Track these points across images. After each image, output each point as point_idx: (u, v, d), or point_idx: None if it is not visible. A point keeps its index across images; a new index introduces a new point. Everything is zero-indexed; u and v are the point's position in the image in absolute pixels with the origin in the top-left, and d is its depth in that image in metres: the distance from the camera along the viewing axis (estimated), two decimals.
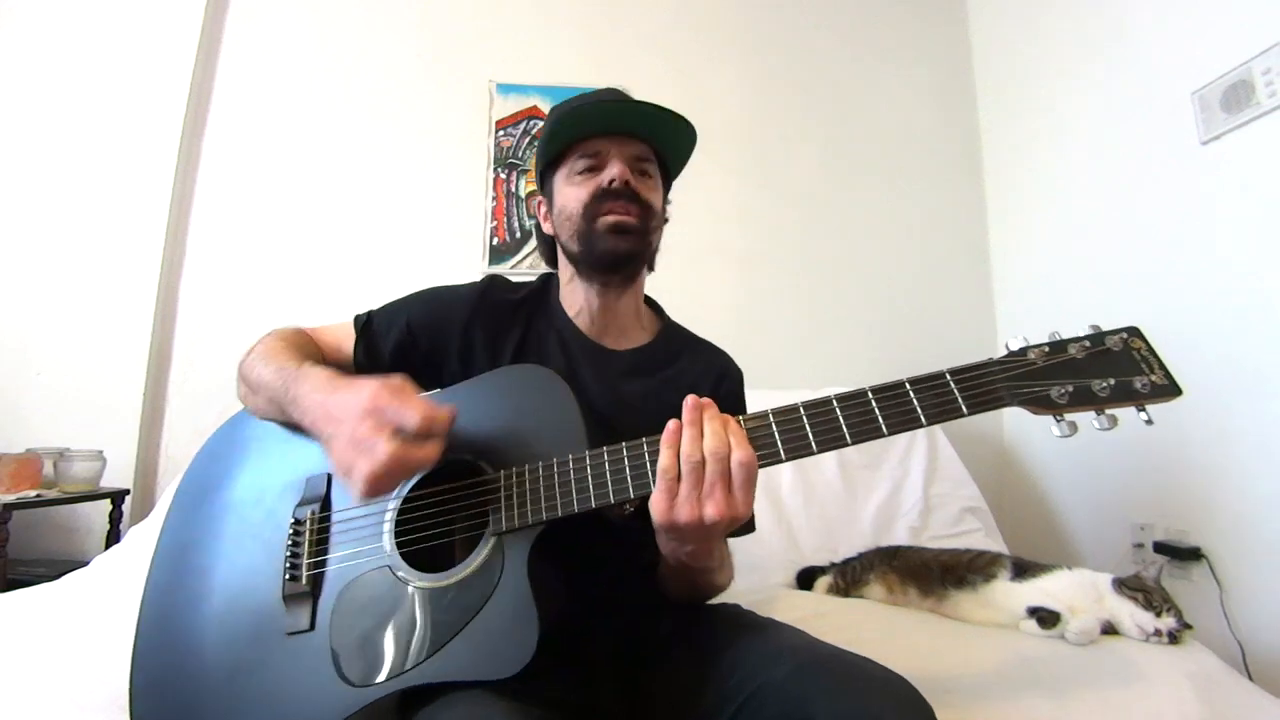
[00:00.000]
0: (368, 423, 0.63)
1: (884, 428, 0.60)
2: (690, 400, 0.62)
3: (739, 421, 0.62)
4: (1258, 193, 1.37)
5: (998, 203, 2.26)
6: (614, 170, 0.82)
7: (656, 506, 0.61)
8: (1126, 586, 1.07)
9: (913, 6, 2.38)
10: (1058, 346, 0.61)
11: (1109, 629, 1.05)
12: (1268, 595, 1.34)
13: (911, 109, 2.31)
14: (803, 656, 0.62)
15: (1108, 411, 0.59)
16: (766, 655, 0.64)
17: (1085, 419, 0.60)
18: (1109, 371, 0.59)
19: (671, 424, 0.62)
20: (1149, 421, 0.58)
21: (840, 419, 0.61)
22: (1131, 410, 0.59)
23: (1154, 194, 1.62)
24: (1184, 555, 1.47)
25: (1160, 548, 1.52)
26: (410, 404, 0.63)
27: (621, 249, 0.82)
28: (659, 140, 0.87)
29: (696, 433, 0.61)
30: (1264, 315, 1.36)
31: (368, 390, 0.65)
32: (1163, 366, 0.60)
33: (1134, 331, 0.61)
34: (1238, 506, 1.40)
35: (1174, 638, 1.01)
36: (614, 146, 0.83)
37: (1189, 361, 1.44)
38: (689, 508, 0.59)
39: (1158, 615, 1.02)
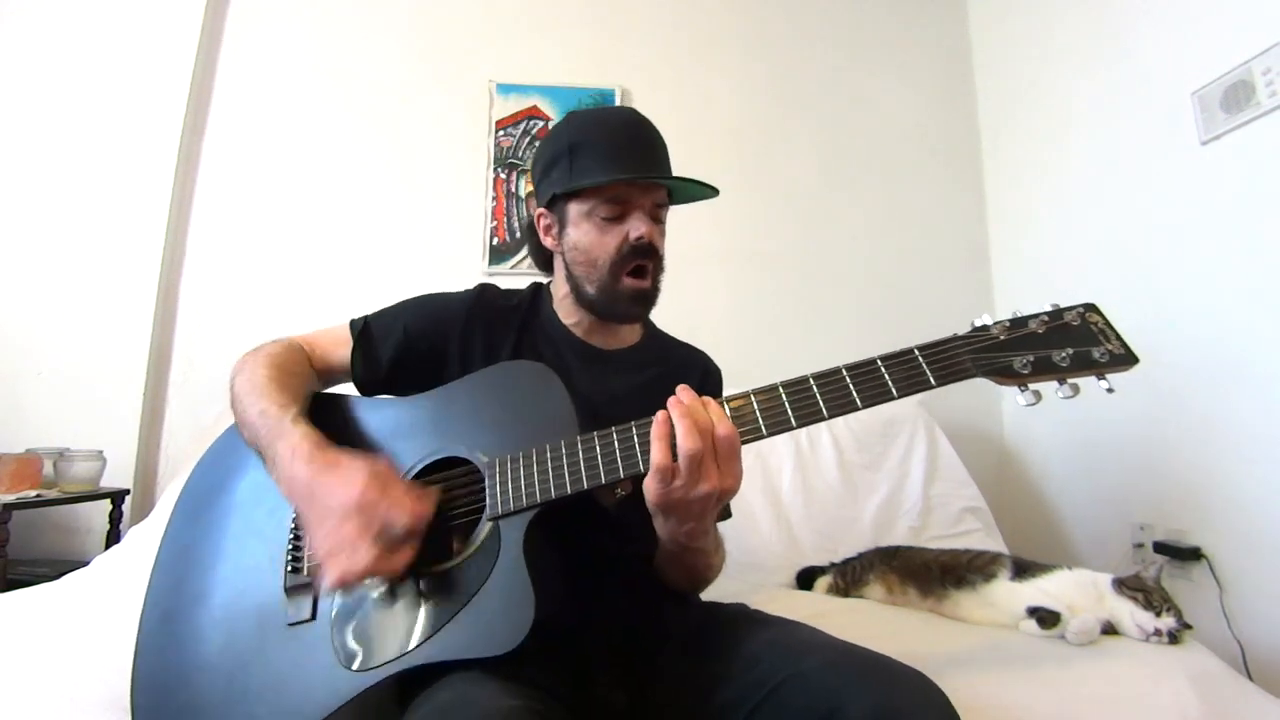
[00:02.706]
0: (354, 521, 0.62)
1: (858, 401, 0.63)
2: (675, 395, 0.66)
3: (719, 402, 0.66)
4: (1258, 193, 1.37)
5: (997, 203, 2.26)
6: (641, 229, 0.81)
7: (651, 489, 0.63)
8: (1126, 586, 1.07)
9: (914, 6, 2.38)
10: (1019, 322, 0.64)
11: (1109, 629, 1.04)
12: (1268, 595, 1.34)
13: (911, 109, 2.31)
14: (830, 651, 0.64)
15: (1069, 380, 0.62)
16: (792, 648, 0.65)
17: (1048, 388, 0.62)
18: (1068, 343, 0.62)
19: (660, 415, 0.64)
20: (1110, 390, 0.61)
21: (817, 395, 0.64)
22: (1093, 379, 0.62)
23: (1154, 194, 1.62)
24: (1184, 555, 1.47)
25: (1160, 548, 1.52)
26: (398, 504, 0.64)
27: (638, 313, 0.87)
28: (679, 190, 0.86)
29: (689, 425, 0.63)
30: (1264, 315, 1.36)
31: (358, 483, 0.64)
32: (1119, 337, 0.62)
33: (1090, 307, 0.64)
34: (1238, 506, 1.40)
35: (1174, 638, 1.01)
36: (640, 195, 0.82)
37: (1189, 360, 1.46)
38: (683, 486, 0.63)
39: (1158, 615, 1.02)
